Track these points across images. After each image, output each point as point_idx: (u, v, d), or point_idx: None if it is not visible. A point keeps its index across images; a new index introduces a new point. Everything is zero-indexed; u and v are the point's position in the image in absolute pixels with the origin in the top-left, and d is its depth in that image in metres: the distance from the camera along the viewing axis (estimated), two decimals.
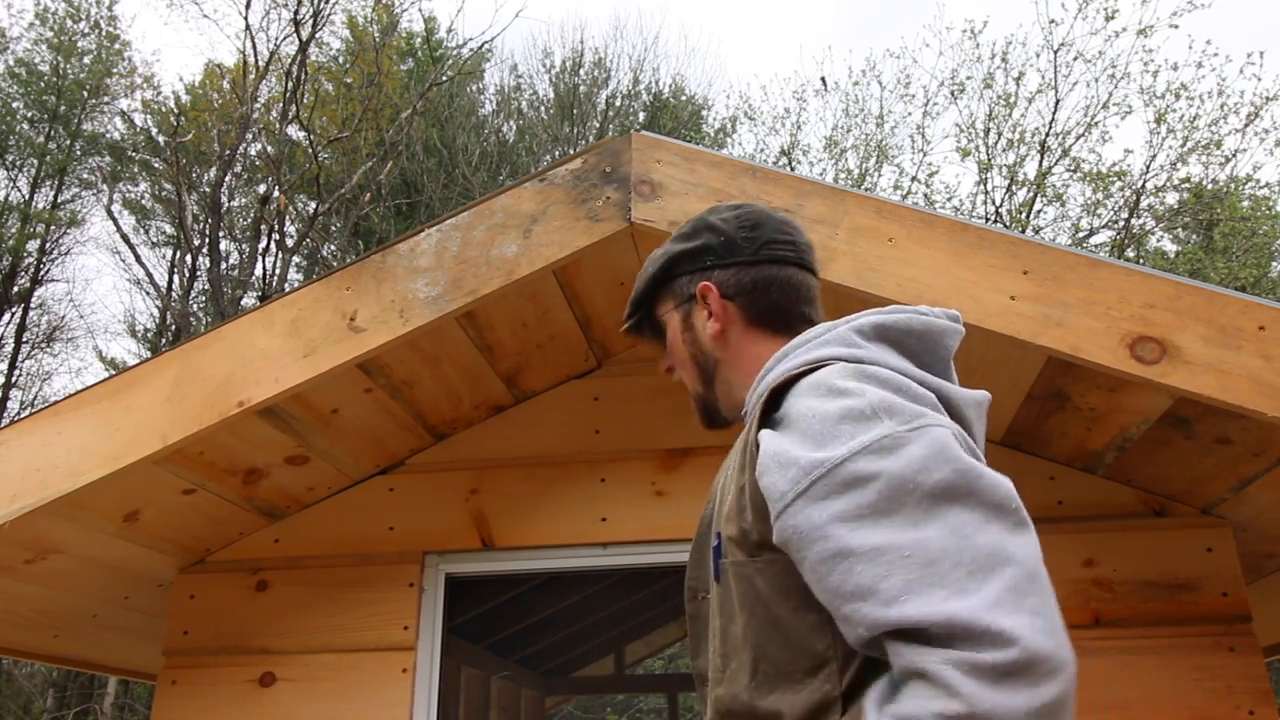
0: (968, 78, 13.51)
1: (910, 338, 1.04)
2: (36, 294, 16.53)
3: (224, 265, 14.85)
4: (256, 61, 13.91)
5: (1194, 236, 13.00)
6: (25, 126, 16.45)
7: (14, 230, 15.70)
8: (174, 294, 16.04)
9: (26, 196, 16.50)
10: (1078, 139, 12.67)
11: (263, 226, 14.56)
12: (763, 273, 1.16)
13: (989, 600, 0.76)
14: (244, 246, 15.72)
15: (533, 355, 2.43)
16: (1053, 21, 15.82)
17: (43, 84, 16.21)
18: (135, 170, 16.88)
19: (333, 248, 15.04)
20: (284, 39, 14.03)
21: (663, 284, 1.24)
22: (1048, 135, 12.55)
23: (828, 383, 0.93)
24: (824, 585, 0.84)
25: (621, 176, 2.07)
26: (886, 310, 1.07)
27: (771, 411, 0.99)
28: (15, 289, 15.96)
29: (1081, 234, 12.93)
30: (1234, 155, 12.03)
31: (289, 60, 13.48)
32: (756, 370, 1.13)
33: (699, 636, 1.15)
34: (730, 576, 1.01)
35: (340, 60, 15.95)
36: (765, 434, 0.95)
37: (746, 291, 1.16)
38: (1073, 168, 12.82)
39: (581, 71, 16.43)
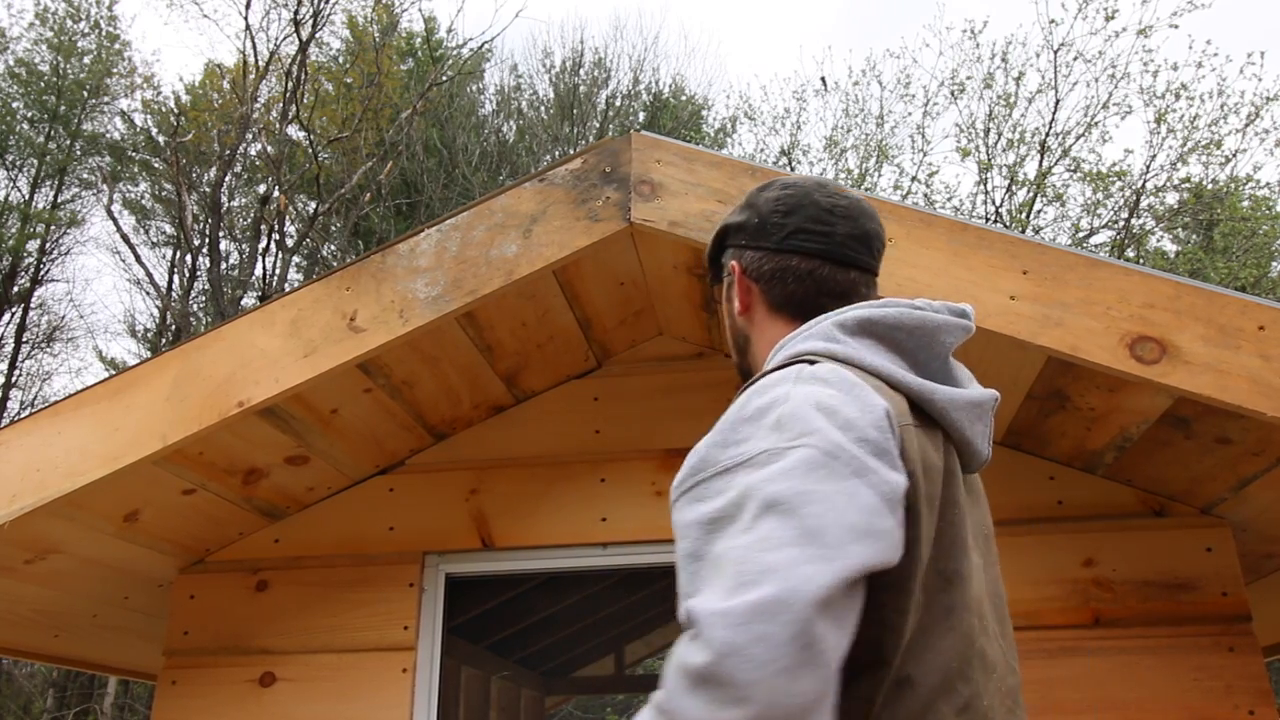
0: (968, 78, 13.51)
1: (900, 333, 1.02)
2: (36, 294, 16.54)
3: (224, 265, 14.86)
4: (256, 61, 13.91)
5: (1194, 236, 13.00)
6: (25, 126, 16.46)
7: (14, 230, 15.71)
8: (174, 294, 16.04)
9: (26, 196, 16.50)
10: (1078, 139, 12.68)
11: (263, 226, 14.57)
12: (782, 262, 1.14)
13: (729, 608, 0.75)
14: (244, 246, 15.72)
15: (533, 355, 2.44)
16: (1053, 21, 15.81)
17: (43, 84, 16.21)
18: (135, 170, 16.88)
19: (333, 248, 15.04)
20: (284, 39, 14.04)
21: (716, 251, 1.26)
22: (1048, 135, 12.55)
23: (762, 383, 0.96)
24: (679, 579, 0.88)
25: (621, 176, 2.07)
26: (878, 304, 1.05)
27: None
28: (15, 289, 15.96)
29: (1081, 234, 12.93)
30: (1234, 155, 12.03)
31: (289, 60, 13.48)
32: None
33: None
34: None
35: (340, 60, 15.96)
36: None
37: (766, 278, 1.15)
38: (1073, 168, 12.83)
39: (581, 71, 16.44)
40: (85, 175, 17.20)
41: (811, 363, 0.98)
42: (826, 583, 0.77)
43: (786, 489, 0.82)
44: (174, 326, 14.95)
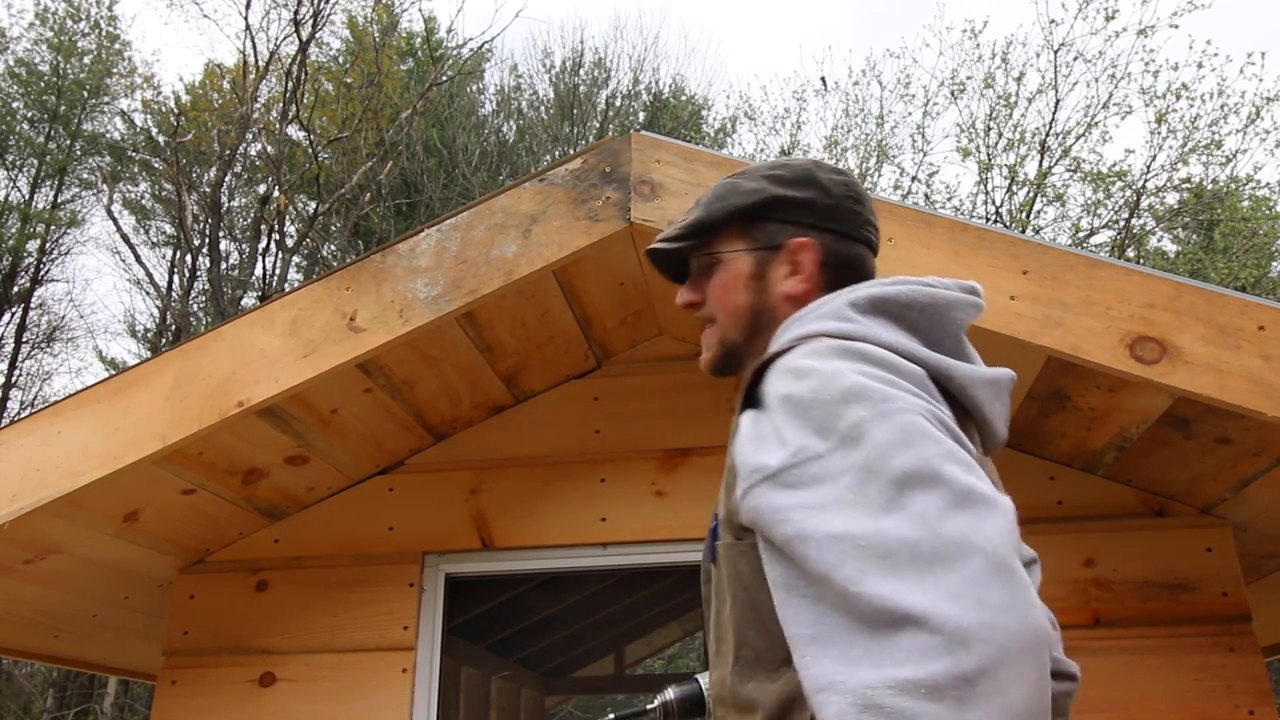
0: (968, 78, 13.51)
1: (912, 311, 0.98)
2: (36, 294, 16.55)
3: (224, 265, 14.86)
4: (256, 61, 13.91)
5: (1194, 237, 13.00)
6: (25, 126, 16.46)
7: (14, 230, 15.71)
8: (174, 294, 16.04)
9: (26, 196, 16.51)
10: (1078, 139, 12.68)
11: (263, 226, 14.57)
12: (855, 252, 1.10)
13: (944, 593, 0.70)
14: (244, 246, 15.72)
15: (533, 355, 2.43)
16: (1053, 21, 15.82)
17: (43, 84, 16.21)
18: (135, 170, 16.88)
19: (333, 248, 15.04)
20: (284, 39, 14.04)
21: (747, 219, 1.13)
22: (1048, 135, 12.55)
23: (800, 365, 0.88)
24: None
25: (621, 176, 2.07)
26: (889, 281, 1.01)
27: (757, 387, 0.94)
28: (15, 289, 15.96)
29: (1081, 234, 12.93)
30: (1234, 156, 12.03)
31: (289, 60, 13.48)
32: None
33: (707, 620, 1.12)
34: (722, 559, 0.98)
35: (340, 60, 15.96)
36: (745, 417, 0.92)
37: (838, 264, 1.09)
38: (1073, 168, 12.83)
39: (581, 71, 16.44)
40: (85, 175, 17.21)
41: (831, 340, 0.93)
42: (1005, 531, 0.74)
43: (911, 456, 0.77)
44: (174, 326, 14.95)
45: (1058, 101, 12.45)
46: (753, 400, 0.94)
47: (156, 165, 16.24)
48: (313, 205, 14.17)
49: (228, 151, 14.14)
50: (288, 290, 3.62)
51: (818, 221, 1.10)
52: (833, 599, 0.74)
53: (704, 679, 1.37)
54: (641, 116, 16.42)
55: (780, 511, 0.80)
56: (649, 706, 1.40)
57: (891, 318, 0.97)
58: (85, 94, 16.41)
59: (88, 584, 2.51)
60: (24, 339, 16.18)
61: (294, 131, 13.53)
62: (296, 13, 13.05)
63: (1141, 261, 12.55)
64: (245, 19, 13.56)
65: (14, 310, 16.08)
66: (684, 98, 17.26)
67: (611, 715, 1.50)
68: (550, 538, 2.42)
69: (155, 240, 17.14)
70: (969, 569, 0.70)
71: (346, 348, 2.03)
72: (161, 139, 15.88)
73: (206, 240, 14.87)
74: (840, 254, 1.09)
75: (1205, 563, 2.14)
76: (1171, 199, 12.65)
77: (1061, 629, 2.13)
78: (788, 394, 0.86)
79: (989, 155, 13.12)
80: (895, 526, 0.73)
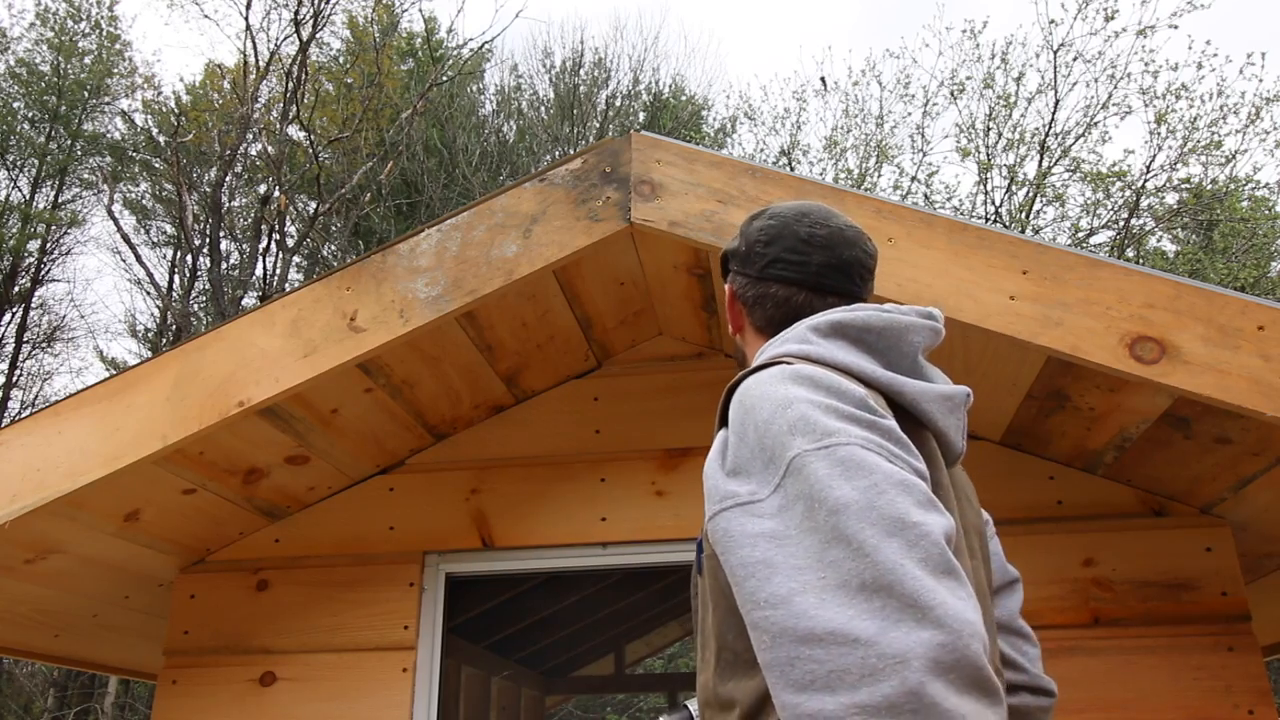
0: (967, 78, 13.51)
1: (869, 334, 1.08)
2: (37, 294, 16.54)
3: (224, 265, 14.86)
4: (257, 62, 13.91)
5: (1193, 237, 12.99)
6: (26, 126, 16.45)
7: (15, 230, 15.71)
8: (174, 294, 16.05)
9: (27, 196, 16.50)
10: (1077, 139, 12.67)
11: (263, 226, 14.56)
12: (763, 289, 1.23)
13: (875, 614, 0.77)
14: (244, 246, 15.71)
15: (533, 355, 2.44)
16: (1052, 22, 15.81)
17: (43, 84, 16.21)
18: (136, 170, 16.88)
19: (333, 248, 15.04)
20: (284, 39, 14.03)
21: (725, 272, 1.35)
22: (1047, 135, 12.55)
23: (755, 393, 0.98)
24: (739, 591, 0.88)
25: (621, 177, 2.07)
26: (850, 308, 1.12)
27: (727, 406, 1.06)
28: (16, 289, 15.96)
29: (1081, 234, 12.93)
30: (1234, 156, 12.03)
31: (289, 60, 13.48)
32: None
33: (695, 628, 1.20)
34: (705, 569, 1.06)
35: (340, 60, 15.96)
36: (717, 437, 1.03)
37: (749, 303, 1.25)
38: (1073, 168, 12.83)
39: (581, 72, 16.44)
40: (86, 175, 17.21)
41: (789, 364, 1.02)
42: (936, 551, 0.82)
43: (848, 489, 0.84)
44: (174, 326, 14.95)
45: (1057, 102, 12.45)
46: (725, 419, 1.05)
47: (157, 165, 16.24)
48: (313, 205, 14.17)
49: (228, 151, 14.15)
50: (288, 290, 3.62)
51: (738, 268, 1.28)
52: (786, 623, 0.81)
53: (693, 703, 1.42)
54: (641, 116, 16.42)
55: (746, 538, 0.88)
56: None
57: (850, 340, 1.08)
58: (86, 94, 16.41)
59: (88, 584, 2.52)
60: (24, 339, 16.18)
61: (294, 131, 13.53)
62: (297, 13, 13.05)
63: (1141, 261, 12.55)
64: (245, 19, 13.57)
65: (14, 310, 16.08)
66: (684, 98, 17.26)
67: None
68: (550, 537, 2.42)
69: (156, 240, 17.15)
70: (903, 595, 0.77)
71: (347, 347, 2.04)
72: (162, 139, 15.89)
73: (207, 240, 14.87)
74: (748, 294, 1.25)
75: (1205, 562, 2.14)
76: (1171, 199, 12.65)
77: (1061, 629, 2.14)
78: (743, 424, 0.97)
79: (989, 155, 13.12)
80: (839, 555, 0.81)
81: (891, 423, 0.94)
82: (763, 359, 1.09)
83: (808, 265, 1.21)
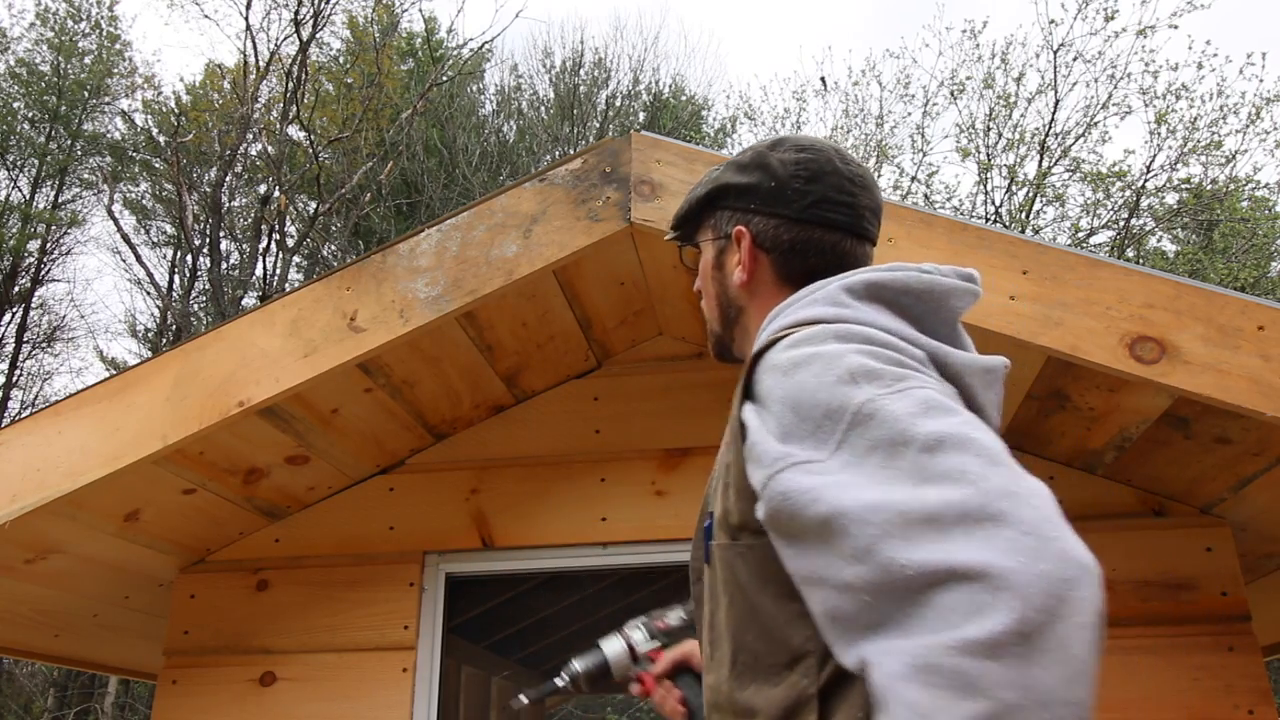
0: (967, 78, 13.51)
1: (908, 297, 0.95)
2: (37, 294, 16.55)
3: (224, 265, 14.86)
4: (257, 62, 13.92)
5: (1194, 237, 12.99)
6: (26, 126, 16.46)
7: (15, 230, 15.71)
8: (174, 294, 16.05)
9: (27, 196, 16.51)
10: (1077, 139, 12.68)
11: (263, 226, 14.57)
12: (804, 234, 1.06)
13: (1000, 547, 0.66)
14: (244, 246, 15.72)
15: (533, 355, 2.44)
16: (1052, 22, 15.80)
17: (43, 84, 16.21)
18: (136, 170, 16.88)
19: (333, 248, 15.04)
20: (284, 39, 14.04)
21: (706, 209, 1.14)
22: (1047, 135, 12.55)
23: (795, 355, 0.85)
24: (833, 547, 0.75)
25: (621, 176, 2.07)
26: (885, 267, 0.98)
27: (752, 380, 0.92)
28: (16, 289, 15.97)
29: (1081, 234, 12.93)
30: (1234, 156, 12.03)
31: (289, 60, 13.49)
32: None
33: (700, 621, 1.10)
34: (717, 560, 0.96)
35: (340, 60, 15.96)
36: (748, 413, 0.89)
37: (783, 249, 1.06)
38: (1073, 168, 12.83)
39: (581, 72, 16.44)
40: (86, 175, 17.21)
41: (830, 323, 0.90)
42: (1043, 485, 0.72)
43: (936, 425, 0.73)
44: (174, 326, 14.95)
45: (1057, 102, 12.46)
46: (750, 393, 0.91)
47: (157, 165, 16.25)
48: (313, 205, 14.18)
49: (228, 151, 14.15)
50: (288, 290, 3.62)
51: (760, 206, 1.08)
52: (878, 575, 0.69)
53: (608, 643, 1.38)
54: (641, 116, 16.42)
55: (811, 491, 0.75)
56: (558, 682, 1.43)
57: (886, 303, 0.94)
58: (86, 94, 16.41)
59: (88, 583, 2.52)
60: (24, 339, 16.18)
61: (294, 131, 13.54)
62: (297, 13, 13.05)
63: (1141, 261, 12.55)
64: (246, 19, 13.57)
65: (14, 310, 16.08)
66: (684, 98, 17.26)
67: (523, 696, 1.54)
68: (550, 537, 2.42)
69: (156, 240, 17.16)
70: (1020, 522, 0.67)
71: (347, 347, 2.04)
72: (162, 139, 15.89)
73: (207, 240, 14.87)
74: (781, 237, 1.06)
75: (1205, 562, 2.14)
76: (1171, 199, 12.65)
77: None
78: (786, 390, 0.83)
79: (989, 155, 13.12)
80: (935, 489, 0.70)
81: (952, 391, 0.84)
82: (788, 320, 0.95)
83: (855, 207, 1.07)
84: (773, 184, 1.08)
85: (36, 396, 16.26)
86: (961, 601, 0.64)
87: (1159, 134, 12.08)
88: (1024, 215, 12.86)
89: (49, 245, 16.62)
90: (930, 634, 0.64)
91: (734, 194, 1.11)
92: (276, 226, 14.64)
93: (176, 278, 16.66)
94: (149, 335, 16.36)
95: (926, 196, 13.55)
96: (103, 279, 31.35)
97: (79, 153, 16.77)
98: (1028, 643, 0.61)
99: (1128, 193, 12.48)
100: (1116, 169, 12.38)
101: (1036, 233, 13.06)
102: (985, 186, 13.10)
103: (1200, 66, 13.39)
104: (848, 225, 1.07)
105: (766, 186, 1.08)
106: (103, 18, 16.72)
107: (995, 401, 0.97)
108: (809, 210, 1.06)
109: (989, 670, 0.61)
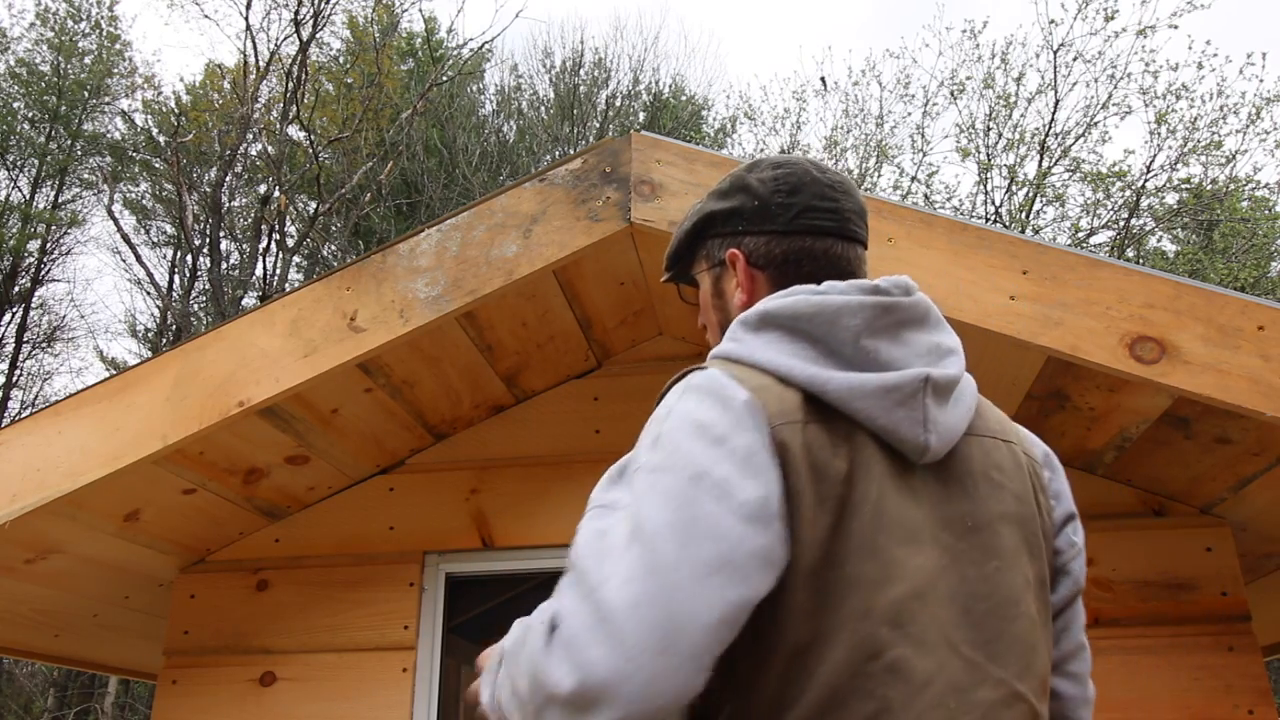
0: (967, 78, 13.51)
1: (801, 322, 0.97)
2: (37, 294, 16.55)
3: (224, 265, 14.86)
4: (257, 62, 13.92)
5: (1194, 237, 12.99)
6: (26, 126, 16.46)
7: (15, 230, 15.71)
8: (174, 294, 16.05)
9: (27, 196, 16.51)
10: (1077, 139, 12.68)
11: (263, 226, 14.57)
12: (795, 244, 1.08)
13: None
14: (244, 246, 15.72)
15: (533, 355, 2.44)
16: (1052, 22, 15.80)
17: (43, 84, 16.21)
18: (136, 170, 16.89)
19: (333, 248, 15.05)
20: (284, 39, 14.04)
21: (696, 242, 1.18)
22: (1047, 135, 12.55)
23: (665, 404, 0.96)
24: None
25: (621, 177, 2.07)
26: (782, 293, 1.01)
27: None
28: (16, 289, 15.97)
29: (1081, 234, 12.93)
30: (1234, 156, 12.03)
31: (289, 60, 13.49)
32: None
33: None
34: None
35: (340, 60, 15.96)
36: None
37: (777, 263, 1.08)
38: (1073, 168, 12.83)
39: (581, 72, 16.44)
40: (86, 175, 17.22)
41: (703, 368, 0.96)
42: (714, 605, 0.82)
43: (651, 515, 0.84)
44: (174, 326, 14.95)
45: (1057, 102, 12.46)
46: None
47: (157, 165, 16.25)
48: (313, 205, 14.18)
49: (228, 151, 14.15)
50: (288, 290, 3.62)
51: (748, 227, 1.10)
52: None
53: None
54: (641, 116, 16.43)
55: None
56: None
57: (783, 329, 0.98)
58: (86, 94, 16.42)
59: (88, 584, 2.52)
60: (24, 339, 16.19)
61: (294, 131, 13.54)
62: (297, 13, 13.05)
63: (1141, 261, 12.55)
64: (246, 19, 13.57)
65: (14, 310, 16.09)
66: (684, 98, 17.26)
67: None
68: (550, 537, 2.42)
69: (156, 240, 17.16)
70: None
71: (347, 348, 2.04)
72: (162, 139, 15.89)
73: (207, 240, 14.88)
74: (774, 252, 1.09)
75: (1205, 562, 2.14)
76: (1171, 199, 12.65)
77: None
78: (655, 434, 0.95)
79: (988, 155, 13.12)
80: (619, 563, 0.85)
81: (749, 441, 0.87)
82: (711, 354, 1.04)
83: (840, 211, 1.09)
84: (756, 203, 1.10)
85: (36, 396, 16.28)
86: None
87: (1159, 134, 12.09)
88: (1024, 215, 12.87)
89: (49, 245, 16.63)
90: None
91: (720, 220, 1.13)
92: (276, 226, 14.64)
93: (176, 278, 16.67)
94: (149, 335, 16.37)
95: (926, 196, 13.55)
96: (103, 279, 31.37)
97: (79, 153, 16.77)
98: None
99: (1128, 193, 12.48)
100: (1116, 169, 12.38)
101: (1036, 233, 13.06)
102: (985, 186, 13.11)
103: (1200, 66, 13.38)
104: (835, 229, 1.09)
105: (750, 207, 1.11)
106: (103, 18, 16.73)
107: (912, 417, 0.93)
108: (795, 221, 1.08)
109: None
